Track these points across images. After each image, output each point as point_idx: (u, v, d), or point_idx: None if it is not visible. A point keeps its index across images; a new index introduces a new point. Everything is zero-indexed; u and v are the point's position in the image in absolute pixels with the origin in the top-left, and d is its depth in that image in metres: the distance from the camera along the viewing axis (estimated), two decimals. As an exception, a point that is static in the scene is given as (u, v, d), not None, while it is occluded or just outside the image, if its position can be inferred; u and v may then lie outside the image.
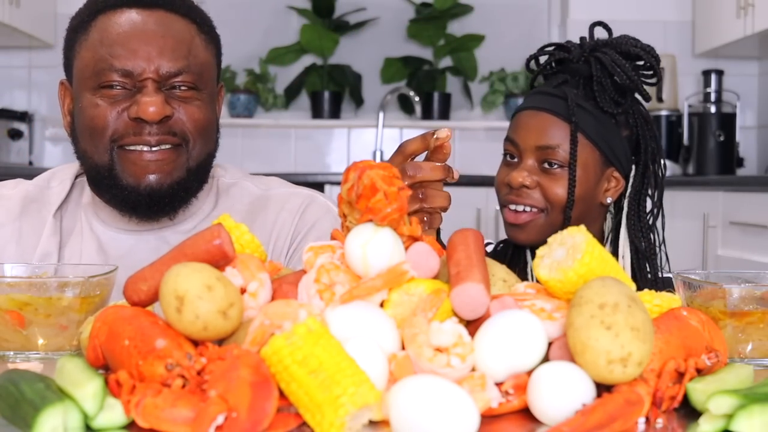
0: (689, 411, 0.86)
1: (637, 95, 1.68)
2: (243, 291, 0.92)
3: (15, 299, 1.07)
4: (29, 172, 4.04)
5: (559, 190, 1.62)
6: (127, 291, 0.94)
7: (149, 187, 1.42)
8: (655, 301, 0.99)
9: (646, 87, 1.66)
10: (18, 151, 4.58)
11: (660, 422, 0.83)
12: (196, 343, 0.86)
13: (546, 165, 1.63)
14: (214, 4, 4.94)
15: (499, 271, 1.02)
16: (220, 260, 0.93)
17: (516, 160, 1.66)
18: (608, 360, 0.82)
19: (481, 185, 4.13)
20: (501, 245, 1.78)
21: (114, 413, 0.80)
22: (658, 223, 1.71)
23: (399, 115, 4.95)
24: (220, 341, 0.88)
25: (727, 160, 4.45)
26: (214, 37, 1.54)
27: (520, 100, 4.78)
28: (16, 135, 4.55)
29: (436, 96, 4.81)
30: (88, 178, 1.50)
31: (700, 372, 0.90)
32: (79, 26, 1.48)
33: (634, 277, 1.66)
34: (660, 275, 1.69)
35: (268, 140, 4.85)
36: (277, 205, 1.58)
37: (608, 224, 1.72)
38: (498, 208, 1.74)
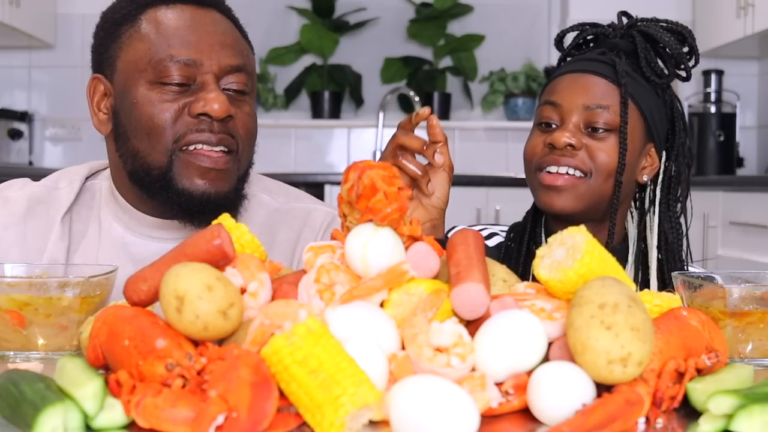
0: (689, 411, 0.86)
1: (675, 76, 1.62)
2: (243, 291, 0.92)
3: (15, 299, 1.07)
4: (29, 172, 4.04)
5: (605, 155, 1.52)
6: (127, 291, 0.94)
7: (205, 194, 1.38)
8: (655, 301, 0.99)
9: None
10: (18, 151, 4.58)
11: (660, 422, 0.83)
12: (196, 343, 0.86)
13: (590, 129, 1.54)
14: (214, 4, 4.95)
15: (499, 271, 1.02)
16: (220, 260, 0.93)
17: (554, 126, 1.55)
18: (608, 360, 0.82)
19: (481, 185, 4.14)
20: (511, 238, 1.67)
21: (114, 413, 0.80)
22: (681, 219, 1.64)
23: (399, 115, 4.95)
24: (220, 341, 0.88)
25: (727, 160, 4.45)
26: (252, 48, 1.51)
27: (520, 100, 4.78)
28: (16, 135, 4.55)
29: (436, 96, 4.82)
30: (135, 178, 1.43)
31: (700, 372, 0.90)
32: (123, 19, 1.43)
33: (661, 269, 1.58)
34: (686, 268, 1.60)
35: (268, 140, 4.85)
36: (299, 220, 1.56)
37: (633, 218, 1.63)
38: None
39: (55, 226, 1.48)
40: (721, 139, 4.43)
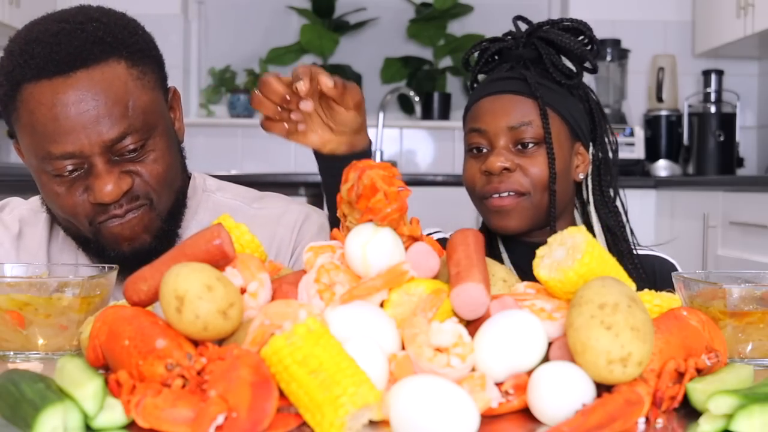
0: (689, 411, 0.86)
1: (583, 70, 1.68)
2: (243, 291, 0.92)
3: (15, 299, 1.07)
4: (29, 172, 4.03)
5: (538, 169, 1.57)
6: (127, 291, 0.94)
7: (133, 249, 1.40)
8: (655, 301, 0.99)
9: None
10: (18, 151, 4.58)
11: (660, 422, 0.83)
12: (196, 343, 0.86)
13: (520, 146, 1.59)
14: (214, 4, 4.95)
15: (499, 271, 1.02)
16: (220, 260, 0.93)
17: (485, 150, 1.60)
18: (608, 360, 0.82)
19: (481, 185, 4.13)
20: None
21: (114, 413, 0.80)
22: (618, 200, 1.70)
23: (399, 115, 4.95)
24: (220, 341, 0.88)
25: (727, 160, 4.45)
26: (150, 56, 1.42)
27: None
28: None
29: (436, 96, 4.81)
30: (74, 240, 1.47)
31: (700, 372, 0.90)
32: (6, 100, 1.39)
33: (611, 252, 1.58)
34: (635, 250, 1.66)
35: (268, 140, 4.84)
36: (272, 221, 1.57)
37: (578, 211, 1.69)
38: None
39: (41, 248, 1.52)
40: (721, 139, 4.43)
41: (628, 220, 1.69)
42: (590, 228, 1.65)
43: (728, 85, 4.59)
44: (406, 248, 0.95)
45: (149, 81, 1.40)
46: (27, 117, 1.36)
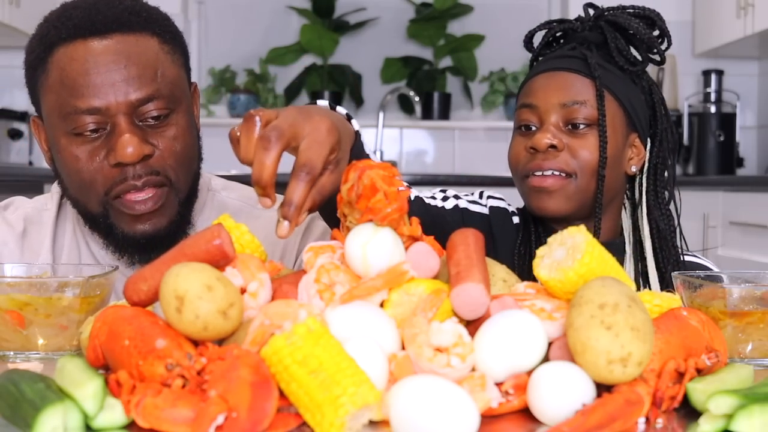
0: (689, 411, 0.86)
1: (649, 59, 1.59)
2: (243, 291, 0.92)
3: (15, 299, 1.07)
4: (29, 172, 4.03)
5: (588, 152, 1.49)
6: (127, 291, 0.94)
7: (145, 234, 1.39)
8: (655, 301, 0.99)
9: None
10: (18, 151, 4.58)
11: (660, 422, 0.83)
12: (196, 343, 0.86)
13: (570, 127, 1.50)
14: (214, 4, 4.95)
15: (499, 271, 1.02)
16: (220, 260, 0.93)
17: (534, 128, 1.53)
18: (608, 360, 0.82)
19: (481, 185, 4.13)
20: (521, 236, 1.60)
21: (114, 413, 0.80)
22: (673, 204, 1.61)
23: (399, 115, 4.95)
24: (220, 341, 0.88)
25: (727, 160, 4.45)
26: (179, 42, 1.47)
27: (520, 100, 4.78)
28: (16, 135, 4.55)
29: (436, 96, 4.82)
30: (83, 218, 1.47)
31: (700, 372, 0.90)
32: (36, 63, 1.42)
33: (656, 258, 1.56)
34: (681, 258, 1.58)
35: (268, 140, 4.85)
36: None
37: (626, 210, 1.60)
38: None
39: (44, 246, 1.52)
40: (721, 139, 4.43)
41: (679, 224, 1.60)
42: (638, 230, 1.58)
43: (728, 85, 4.59)
44: (406, 248, 0.95)
45: (178, 60, 1.44)
46: (56, 74, 1.38)
